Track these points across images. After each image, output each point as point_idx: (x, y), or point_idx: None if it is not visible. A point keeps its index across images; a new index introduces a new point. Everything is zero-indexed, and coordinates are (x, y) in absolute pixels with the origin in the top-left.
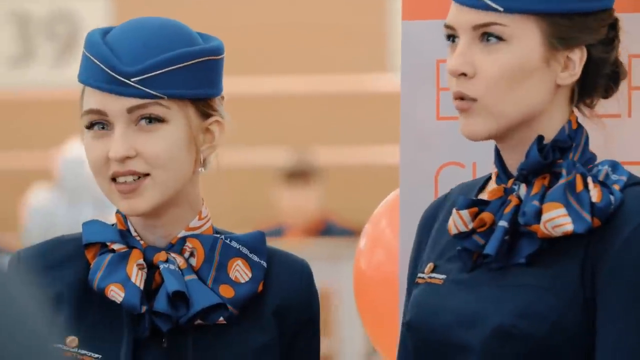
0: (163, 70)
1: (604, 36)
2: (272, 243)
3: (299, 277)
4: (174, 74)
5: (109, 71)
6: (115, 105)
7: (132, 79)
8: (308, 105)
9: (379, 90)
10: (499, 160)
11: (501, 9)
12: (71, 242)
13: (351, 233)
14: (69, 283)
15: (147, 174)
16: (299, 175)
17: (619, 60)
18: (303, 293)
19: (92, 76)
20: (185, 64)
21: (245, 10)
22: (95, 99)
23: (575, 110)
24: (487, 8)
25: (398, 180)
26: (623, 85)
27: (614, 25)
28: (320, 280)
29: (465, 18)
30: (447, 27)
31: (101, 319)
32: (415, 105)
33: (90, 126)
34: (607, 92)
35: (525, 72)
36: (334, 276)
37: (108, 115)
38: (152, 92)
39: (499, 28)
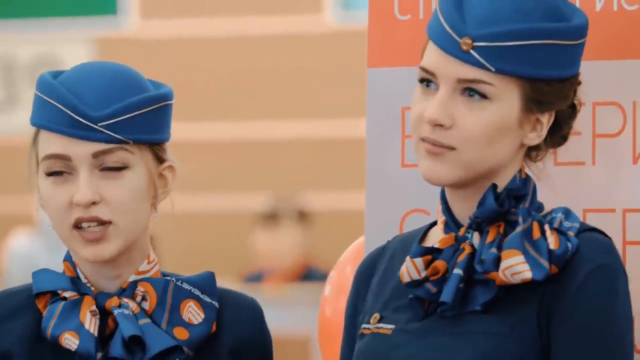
0: (128, 115)
1: (571, 101)
2: (252, 288)
3: (251, 316)
4: (137, 119)
5: (73, 115)
6: (80, 150)
7: (99, 124)
8: (289, 149)
9: (357, 135)
10: (447, 208)
11: (493, 69)
12: (20, 293)
13: None
14: (19, 336)
15: (110, 222)
16: (278, 219)
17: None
18: (255, 332)
19: (52, 120)
20: (147, 109)
21: (226, 55)
22: (58, 144)
23: (525, 159)
24: (479, 65)
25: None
26: (587, 133)
27: (575, 90)
28: (301, 326)
29: (451, 69)
30: (426, 71)
31: None
32: (381, 152)
33: (51, 173)
34: (552, 147)
35: (502, 132)
36: (312, 322)
37: (72, 160)
38: (118, 136)
39: (486, 87)
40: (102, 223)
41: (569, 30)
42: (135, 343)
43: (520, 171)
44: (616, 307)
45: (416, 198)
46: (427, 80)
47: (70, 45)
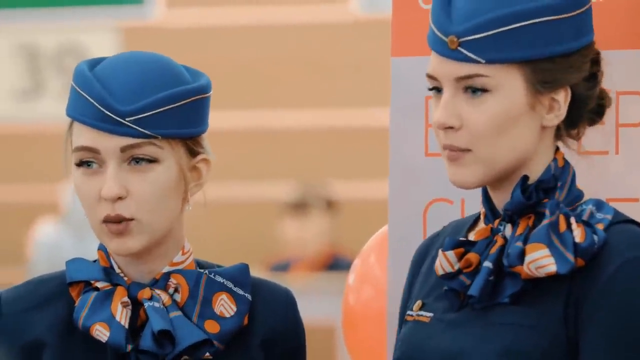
0: (158, 110)
1: (587, 72)
2: (278, 277)
3: (284, 306)
4: (168, 114)
5: (101, 108)
6: (109, 144)
7: (127, 119)
8: (315, 138)
9: (381, 124)
10: (487, 199)
11: (483, 60)
12: (53, 280)
13: None
14: (52, 324)
15: (133, 218)
16: (305, 208)
17: (604, 91)
18: (288, 322)
19: (84, 113)
20: (179, 103)
21: (251, 43)
22: (88, 137)
23: (562, 146)
24: (468, 60)
25: None
26: (610, 122)
27: (596, 59)
28: (327, 315)
29: (447, 70)
30: (430, 77)
31: (86, 359)
32: (404, 141)
33: (80, 164)
34: (592, 123)
35: (512, 120)
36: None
37: (101, 153)
38: (146, 131)
39: (482, 80)
40: (127, 220)
41: (556, 5)
42: (165, 336)
43: (556, 160)
44: None
45: (440, 187)
46: (436, 88)
47: (96, 34)
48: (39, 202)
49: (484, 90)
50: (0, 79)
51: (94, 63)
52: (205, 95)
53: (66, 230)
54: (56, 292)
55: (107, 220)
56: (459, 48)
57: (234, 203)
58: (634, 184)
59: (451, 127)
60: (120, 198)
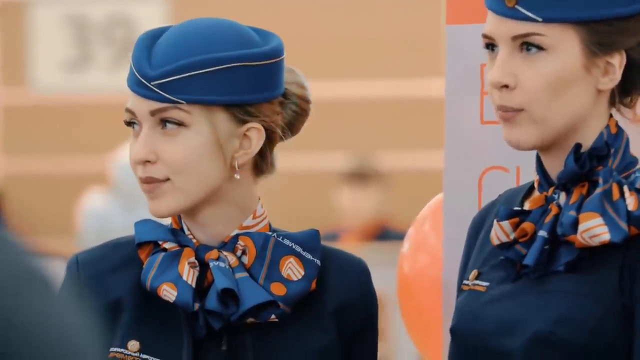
0: (182, 76)
1: None
2: None
3: (357, 276)
4: (197, 79)
5: (135, 72)
6: (141, 107)
7: (152, 83)
8: (368, 110)
9: (434, 94)
10: (540, 167)
11: (540, 19)
12: (128, 244)
13: None
14: (128, 287)
15: (168, 179)
16: (359, 178)
17: None
18: (362, 293)
19: (129, 76)
20: (211, 69)
21: (305, 16)
22: (130, 99)
23: (615, 113)
24: (526, 18)
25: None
26: None
27: None
28: (376, 285)
29: (503, 29)
30: (486, 36)
31: (161, 321)
32: (459, 109)
33: (128, 124)
34: None
35: (566, 81)
36: (389, 281)
37: (137, 116)
38: (169, 96)
39: (539, 38)
40: (159, 181)
41: None
42: (230, 296)
43: (608, 127)
44: None
45: (495, 155)
46: (491, 45)
47: (145, 5)
48: (88, 173)
49: (540, 48)
50: (50, 49)
51: (165, 29)
52: (258, 62)
53: (115, 201)
54: (132, 254)
55: (142, 181)
56: (517, 6)
57: (289, 173)
58: None
59: (506, 86)
60: (149, 162)
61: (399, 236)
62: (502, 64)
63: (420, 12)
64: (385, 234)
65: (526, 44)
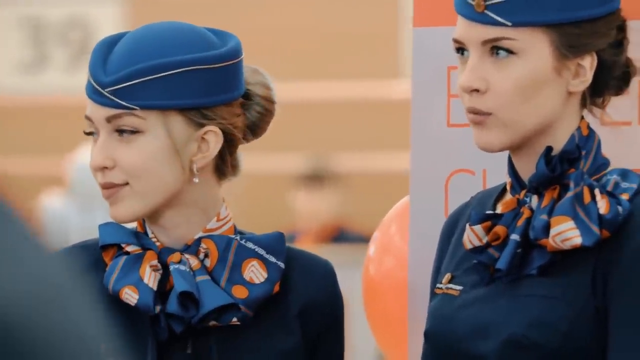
0: (135, 81)
1: (613, 39)
2: None
3: (322, 277)
4: (151, 84)
5: (90, 79)
6: (97, 114)
7: (106, 89)
8: (325, 111)
9: (393, 96)
10: (512, 169)
11: (509, 23)
12: (94, 247)
13: (365, 240)
14: (94, 290)
15: (126, 183)
16: (315, 180)
17: (629, 59)
18: (327, 294)
19: (87, 84)
20: (164, 74)
21: (260, 15)
22: (88, 107)
23: (586, 115)
24: (495, 23)
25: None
26: (634, 93)
27: (621, 27)
28: None
29: (473, 33)
30: (456, 41)
31: (125, 324)
32: (426, 112)
33: (86, 133)
34: (618, 92)
35: (537, 84)
36: (345, 283)
37: (95, 123)
38: (123, 103)
39: (509, 42)
40: (118, 186)
41: None
42: (190, 299)
43: (579, 128)
44: None
45: (461, 158)
46: (461, 49)
47: (102, 7)
48: (45, 174)
49: (510, 52)
50: (6, 51)
51: (123, 35)
52: (213, 65)
53: (72, 203)
54: (98, 257)
55: (102, 187)
56: (486, 11)
57: (246, 174)
58: None
59: (476, 90)
60: (106, 168)
61: (356, 238)
62: (472, 69)
63: (376, 12)
64: (342, 236)
65: (496, 48)
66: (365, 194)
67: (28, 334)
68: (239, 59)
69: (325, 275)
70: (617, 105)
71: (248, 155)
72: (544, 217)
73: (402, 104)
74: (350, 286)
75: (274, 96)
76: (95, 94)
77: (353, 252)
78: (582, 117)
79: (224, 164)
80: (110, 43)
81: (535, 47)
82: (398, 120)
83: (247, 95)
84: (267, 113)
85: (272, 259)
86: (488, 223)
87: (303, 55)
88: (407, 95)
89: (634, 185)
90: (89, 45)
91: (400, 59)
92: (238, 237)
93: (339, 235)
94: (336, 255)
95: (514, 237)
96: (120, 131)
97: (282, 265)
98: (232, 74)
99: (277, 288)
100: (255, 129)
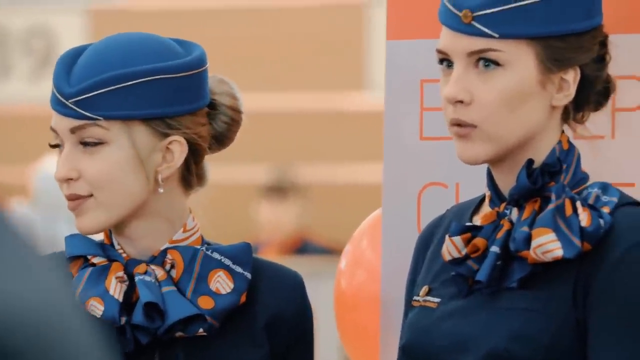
0: (99, 92)
1: (596, 54)
2: None
3: (291, 289)
4: (114, 95)
5: (54, 90)
6: (62, 125)
7: (70, 100)
8: (288, 122)
9: (357, 108)
10: (492, 182)
11: (496, 35)
12: (60, 257)
13: (328, 251)
14: None
15: (91, 195)
16: (278, 191)
17: (610, 75)
18: (296, 306)
19: (51, 95)
20: (127, 84)
21: (224, 25)
22: (53, 118)
23: (566, 128)
24: (482, 34)
25: (376, 198)
26: (607, 107)
27: (604, 42)
28: None
29: (459, 44)
30: (440, 52)
31: None
32: (399, 125)
33: (52, 145)
34: (597, 107)
35: (522, 97)
36: (308, 295)
37: (59, 134)
38: (87, 114)
39: (495, 54)
40: (83, 198)
41: None
42: (155, 310)
43: (560, 142)
44: None
45: (434, 171)
46: (446, 61)
47: (64, 17)
48: (8, 184)
49: (496, 64)
50: None
51: (87, 47)
52: (175, 75)
53: (35, 213)
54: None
55: (67, 198)
56: (473, 22)
57: (209, 184)
58: (630, 169)
59: (461, 102)
60: (71, 179)
61: (319, 250)
62: (457, 80)
63: (342, 23)
64: (305, 247)
65: (482, 60)
66: (329, 205)
67: (41, 346)
68: (204, 68)
69: (294, 287)
70: (591, 119)
71: (210, 165)
72: (525, 229)
73: (367, 116)
74: (313, 298)
75: (241, 106)
76: (59, 105)
77: (316, 264)
78: (563, 131)
79: (190, 174)
80: (75, 54)
81: (520, 60)
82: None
83: (213, 105)
84: (233, 123)
85: (239, 269)
86: (467, 235)
87: (267, 66)
88: (373, 106)
89: (614, 199)
90: (51, 54)
91: (366, 71)
92: (204, 248)
93: (302, 247)
94: (299, 267)
95: (494, 249)
96: (85, 143)
97: (248, 275)
98: (196, 83)
99: (243, 299)
100: (222, 139)
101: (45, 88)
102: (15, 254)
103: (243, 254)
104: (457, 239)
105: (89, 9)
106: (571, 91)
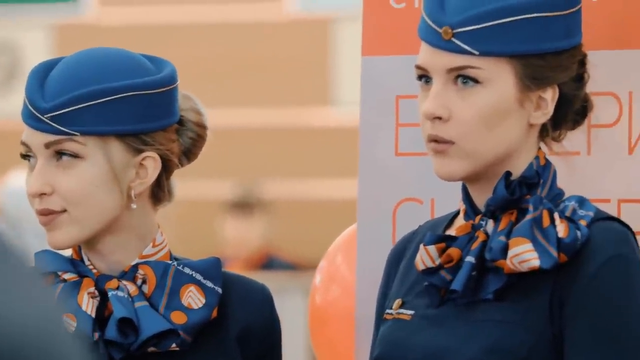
0: (76, 107)
1: (574, 73)
2: None
3: (260, 303)
4: (91, 110)
5: (28, 105)
6: (36, 140)
7: (45, 115)
8: (253, 137)
9: (323, 123)
10: (467, 196)
11: (476, 52)
12: None
13: (294, 267)
14: None
15: (64, 210)
16: (243, 207)
17: (588, 94)
18: (264, 319)
19: (23, 109)
20: (103, 99)
21: (189, 42)
22: (25, 132)
23: (542, 145)
24: (462, 51)
25: (344, 214)
26: (583, 124)
27: (583, 61)
28: None
29: (438, 61)
30: (419, 68)
31: None
32: (374, 140)
33: (23, 157)
34: (575, 126)
35: (500, 114)
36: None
37: (32, 149)
38: (63, 129)
39: (474, 71)
40: (56, 213)
41: (550, 1)
42: (129, 326)
43: (537, 158)
44: (630, 298)
45: (409, 187)
46: (425, 77)
47: (29, 31)
48: None
49: (476, 81)
50: None
51: (59, 60)
52: (148, 91)
53: (3, 227)
54: None
55: (39, 213)
56: (453, 39)
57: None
58: (605, 185)
59: (439, 118)
60: (44, 194)
61: (285, 266)
62: (436, 96)
63: (307, 39)
64: (271, 263)
65: (461, 77)
66: (294, 221)
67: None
68: (175, 85)
69: (263, 301)
70: (567, 136)
71: (176, 181)
72: (502, 238)
73: (333, 131)
74: (279, 313)
75: (206, 121)
76: (33, 120)
77: (282, 280)
78: (539, 148)
79: (161, 190)
80: (46, 68)
81: (500, 77)
82: (328, 148)
83: (180, 121)
84: (199, 138)
85: (210, 284)
86: (442, 245)
87: (232, 82)
88: (339, 122)
89: (590, 213)
90: (17, 69)
91: (332, 86)
92: (175, 263)
93: (268, 263)
94: (264, 282)
95: (469, 259)
96: (60, 154)
97: (219, 290)
98: (168, 99)
99: (215, 313)
100: (188, 155)
101: (11, 103)
102: (10, 269)
103: (213, 269)
104: (432, 248)
105: (54, 24)
106: (549, 109)
